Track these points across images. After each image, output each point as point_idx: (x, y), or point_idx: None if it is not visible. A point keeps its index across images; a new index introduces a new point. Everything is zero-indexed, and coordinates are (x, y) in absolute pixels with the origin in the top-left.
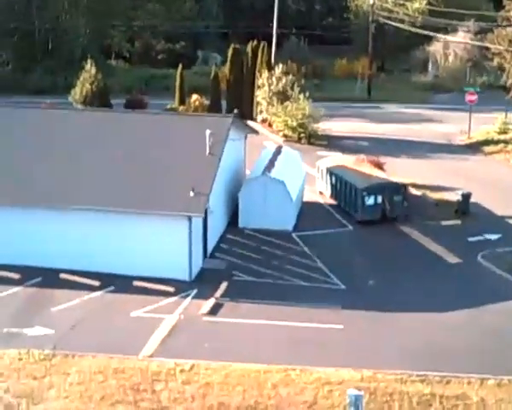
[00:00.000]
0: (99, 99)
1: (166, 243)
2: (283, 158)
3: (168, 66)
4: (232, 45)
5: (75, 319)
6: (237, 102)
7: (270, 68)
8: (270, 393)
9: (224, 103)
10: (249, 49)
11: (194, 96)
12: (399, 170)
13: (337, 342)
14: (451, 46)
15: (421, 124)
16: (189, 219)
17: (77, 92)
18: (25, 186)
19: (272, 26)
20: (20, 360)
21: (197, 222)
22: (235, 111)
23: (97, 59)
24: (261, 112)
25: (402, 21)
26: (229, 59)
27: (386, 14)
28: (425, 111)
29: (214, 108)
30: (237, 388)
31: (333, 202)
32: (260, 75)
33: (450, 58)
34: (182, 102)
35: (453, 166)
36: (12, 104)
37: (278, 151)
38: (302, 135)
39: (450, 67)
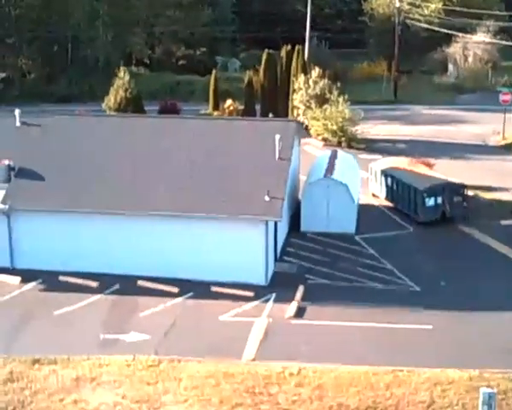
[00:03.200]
0: (133, 106)
1: (243, 248)
2: (341, 161)
3: (188, 71)
4: (266, 50)
5: (166, 325)
6: (272, 107)
7: (306, 72)
8: (385, 393)
9: (257, 108)
10: (283, 53)
11: (229, 102)
12: (443, 171)
13: (429, 341)
14: (471, 47)
15: (452, 125)
16: (266, 223)
17: (111, 99)
18: (100, 194)
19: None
20: (129, 366)
21: (270, 226)
22: (271, 115)
23: (120, 66)
24: (298, 115)
25: (419, 22)
26: (262, 64)
27: (403, 15)
28: (452, 112)
29: (248, 112)
30: (351, 389)
31: (388, 203)
32: (296, 79)
33: (470, 59)
34: (216, 107)
35: (494, 166)
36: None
37: (335, 155)
38: (342, 139)
39: (471, 68)
